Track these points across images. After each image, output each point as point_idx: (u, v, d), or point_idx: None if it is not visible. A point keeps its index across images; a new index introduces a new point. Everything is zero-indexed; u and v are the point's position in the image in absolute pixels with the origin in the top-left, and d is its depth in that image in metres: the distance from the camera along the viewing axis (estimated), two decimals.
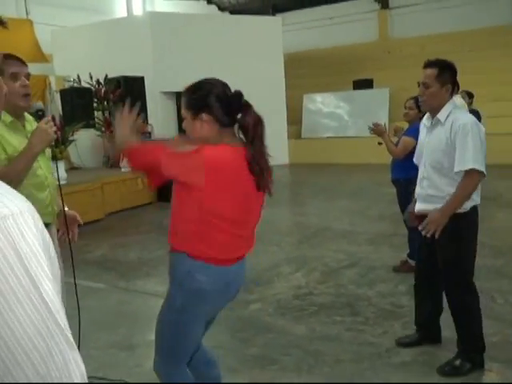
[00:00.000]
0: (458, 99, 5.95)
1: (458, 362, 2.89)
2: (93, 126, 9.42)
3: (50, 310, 0.66)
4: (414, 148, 3.28)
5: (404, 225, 4.65)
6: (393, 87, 13.30)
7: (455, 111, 2.77)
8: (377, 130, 4.28)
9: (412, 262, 4.52)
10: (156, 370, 2.18)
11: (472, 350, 2.91)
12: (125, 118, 2.05)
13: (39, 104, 2.48)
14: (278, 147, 12.69)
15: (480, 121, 6.84)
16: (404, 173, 4.13)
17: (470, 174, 2.65)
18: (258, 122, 2.00)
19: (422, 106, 2.89)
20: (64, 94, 9.94)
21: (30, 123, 2.45)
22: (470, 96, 6.93)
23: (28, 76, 2.32)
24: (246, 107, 2.01)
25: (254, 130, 1.98)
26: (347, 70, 15.19)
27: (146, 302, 4.27)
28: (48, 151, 2.51)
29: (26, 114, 2.46)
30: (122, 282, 4.76)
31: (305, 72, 15.84)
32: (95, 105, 10.05)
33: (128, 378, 2.98)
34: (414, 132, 3.79)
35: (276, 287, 4.40)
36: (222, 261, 2.02)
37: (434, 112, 2.79)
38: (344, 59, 15.74)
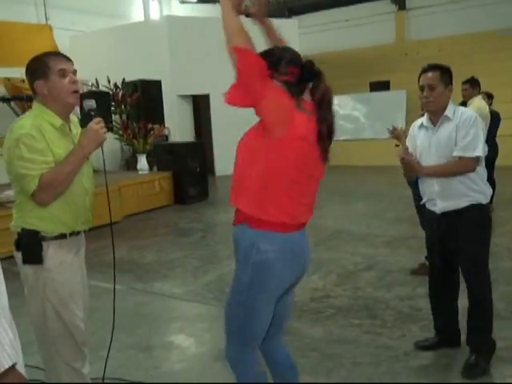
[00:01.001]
0: (479, 100, 5.89)
1: (480, 363, 2.87)
2: (110, 130, 9.50)
3: None
4: None
5: (421, 227, 4.61)
6: (410, 89, 13.18)
7: (458, 108, 2.91)
8: (396, 133, 4.28)
9: None
10: (226, 355, 2.16)
11: (491, 349, 2.92)
12: None
13: (92, 103, 2.34)
14: None
15: (500, 121, 6.79)
16: None
17: (473, 160, 2.78)
18: (327, 91, 2.00)
19: (427, 107, 2.93)
20: (82, 97, 10.05)
21: (76, 126, 2.40)
22: (489, 97, 6.87)
23: (75, 73, 2.27)
24: (319, 75, 2.01)
25: (321, 98, 1.97)
26: (364, 72, 15.11)
27: (163, 303, 4.29)
28: (90, 156, 2.39)
29: (71, 116, 2.40)
30: (140, 284, 4.79)
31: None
32: (113, 108, 10.15)
33: (145, 380, 3.00)
34: None
35: None
36: (285, 226, 1.97)
37: (439, 112, 2.88)
38: (361, 61, 15.66)
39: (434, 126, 2.92)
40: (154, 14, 17.37)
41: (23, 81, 8.36)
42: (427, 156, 2.93)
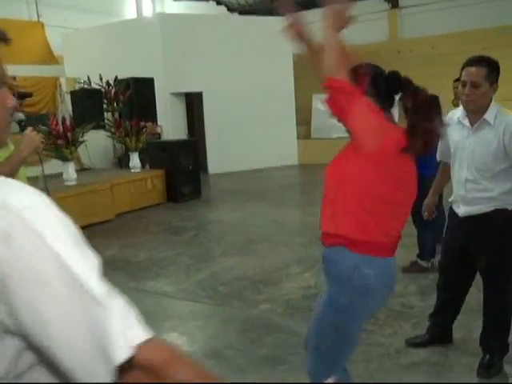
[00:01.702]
0: None
1: (495, 362, 2.84)
2: (103, 127, 9.47)
3: (79, 281, 0.76)
4: None
5: (414, 225, 4.63)
6: None
7: (501, 111, 2.66)
8: None
9: (422, 263, 4.50)
10: (309, 370, 2.11)
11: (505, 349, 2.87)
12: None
13: (20, 115, 2.75)
14: (287, 148, 12.74)
15: None
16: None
17: None
18: (425, 101, 1.90)
19: (466, 106, 2.70)
20: (74, 95, 10.03)
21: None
22: None
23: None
24: (407, 85, 1.97)
25: (414, 105, 1.90)
26: None
27: (156, 302, 4.28)
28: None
29: None
30: (132, 283, 4.78)
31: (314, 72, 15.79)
32: (105, 106, 10.11)
33: None
34: None
35: (285, 287, 4.40)
36: (383, 249, 1.94)
37: (479, 112, 2.65)
38: (353, 59, 15.67)
39: (471, 125, 2.70)
40: (147, 12, 17.34)
41: (14, 78, 8.33)
42: (461, 155, 2.76)
